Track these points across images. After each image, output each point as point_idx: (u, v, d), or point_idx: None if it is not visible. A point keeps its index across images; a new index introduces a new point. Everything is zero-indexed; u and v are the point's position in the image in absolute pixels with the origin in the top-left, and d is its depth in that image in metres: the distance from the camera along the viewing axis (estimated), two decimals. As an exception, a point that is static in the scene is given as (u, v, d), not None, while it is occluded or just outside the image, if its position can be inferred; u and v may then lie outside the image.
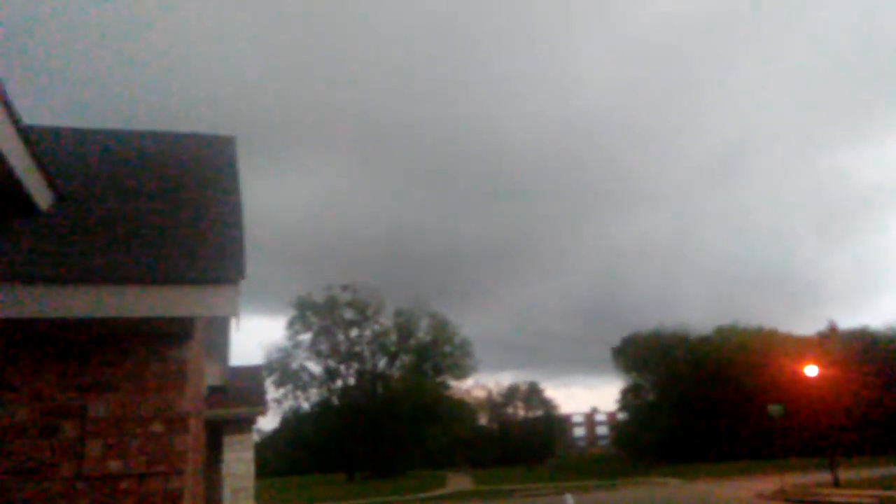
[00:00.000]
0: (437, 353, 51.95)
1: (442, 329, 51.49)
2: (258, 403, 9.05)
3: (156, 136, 5.08)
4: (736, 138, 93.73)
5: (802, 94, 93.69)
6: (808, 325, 55.56)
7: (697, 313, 68.00)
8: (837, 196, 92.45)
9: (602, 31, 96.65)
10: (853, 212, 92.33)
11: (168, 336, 3.11)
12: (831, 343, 44.08)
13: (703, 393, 46.86)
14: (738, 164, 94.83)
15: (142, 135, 5.07)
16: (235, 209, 3.89)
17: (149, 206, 3.78)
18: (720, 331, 51.29)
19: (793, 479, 24.89)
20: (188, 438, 3.06)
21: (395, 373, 52.02)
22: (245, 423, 8.84)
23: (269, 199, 71.71)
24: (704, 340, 50.68)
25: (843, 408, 37.72)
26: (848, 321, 60.63)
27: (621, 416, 62.73)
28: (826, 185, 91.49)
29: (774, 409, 27.79)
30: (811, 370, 28.53)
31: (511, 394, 72.53)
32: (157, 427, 3.01)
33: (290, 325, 49.86)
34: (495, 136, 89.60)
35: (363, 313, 50.52)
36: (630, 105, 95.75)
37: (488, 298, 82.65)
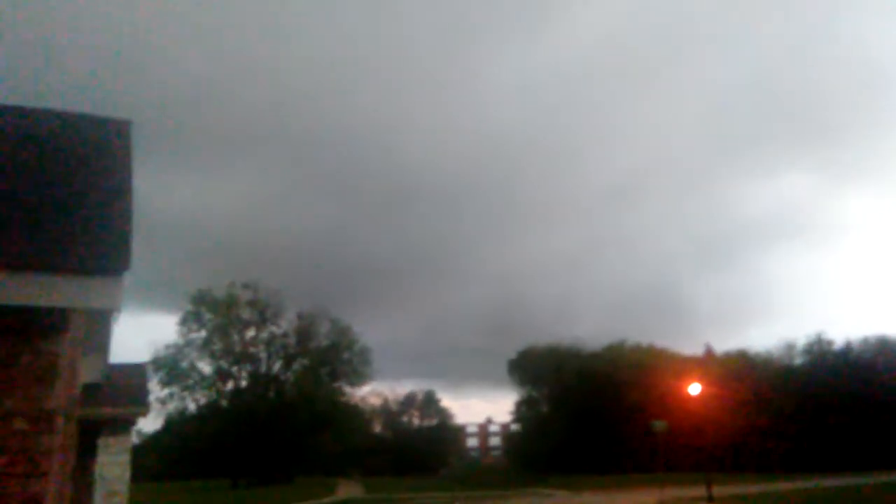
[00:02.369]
0: (336, 359, 51.24)
1: (342, 335, 50.87)
2: (138, 403, 8.61)
3: (42, 115, 4.72)
4: (638, 164, 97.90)
5: (700, 126, 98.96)
6: (692, 346, 58.32)
7: (591, 330, 70.25)
8: (724, 225, 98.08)
9: (518, 55, 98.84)
10: (738, 241, 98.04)
11: (41, 327, 2.91)
12: (711, 363, 46.50)
13: (593, 407, 48.29)
14: (637, 189, 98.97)
15: (25, 112, 4.71)
16: (125, 198, 3.68)
17: (28, 188, 3.53)
18: (611, 348, 53.24)
19: (671, 493, 26.01)
20: (55, 438, 2.87)
21: (291, 377, 50.96)
22: (123, 424, 8.40)
23: (184, 197, 69.24)
24: (596, 356, 52.36)
25: (721, 426, 39.62)
26: (728, 344, 64.22)
27: (515, 427, 63.92)
28: (714, 214, 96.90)
29: (658, 424, 29.01)
30: (693, 388, 29.98)
31: (407, 402, 72.53)
32: (21, 424, 2.80)
33: (183, 321, 47.91)
34: (410, 150, 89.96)
35: (262, 314, 49.30)
36: (541, 127, 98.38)
37: (395, 308, 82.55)
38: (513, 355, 56.68)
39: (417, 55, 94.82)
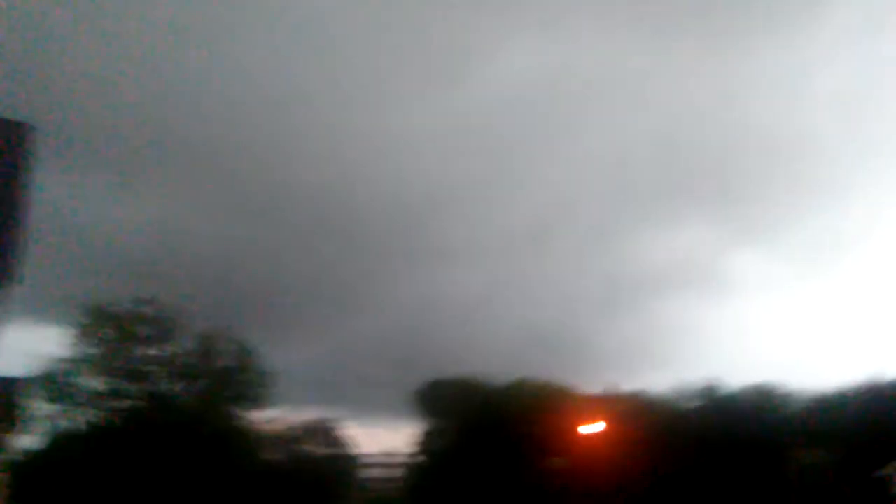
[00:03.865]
0: (237, 382, 49.84)
1: (244, 356, 49.59)
2: (8, 420, 8.18)
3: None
4: (548, 210, 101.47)
5: (609, 176, 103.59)
6: (594, 386, 60.21)
7: (497, 366, 71.23)
8: (626, 272, 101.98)
9: (437, 101, 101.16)
10: (639, 288, 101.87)
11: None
12: (611, 403, 47.92)
13: (498, 442, 48.82)
14: (546, 234, 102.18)
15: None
16: (18, 205, 3.64)
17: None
18: (517, 383, 54.01)
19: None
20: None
21: (188, 398, 49.21)
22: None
23: (90, 207, 66.57)
24: (502, 391, 53.03)
25: (620, 464, 40.74)
26: (627, 385, 66.32)
27: (418, 459, 63.65)
28: (618, 261, 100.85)
29: (557, 461, 29.66)
30: (592, 427, 30.83)
31: (309, 430, 71.01)
32: None
33: (77, 335, 45.63)
34: (328, 180, 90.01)
35: (162, 331, 47.52)
36: (457, 170, 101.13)
37: (303, 335, 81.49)
38: (420, 387, 56.70)
39: (342, 92, 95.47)
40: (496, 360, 72.03)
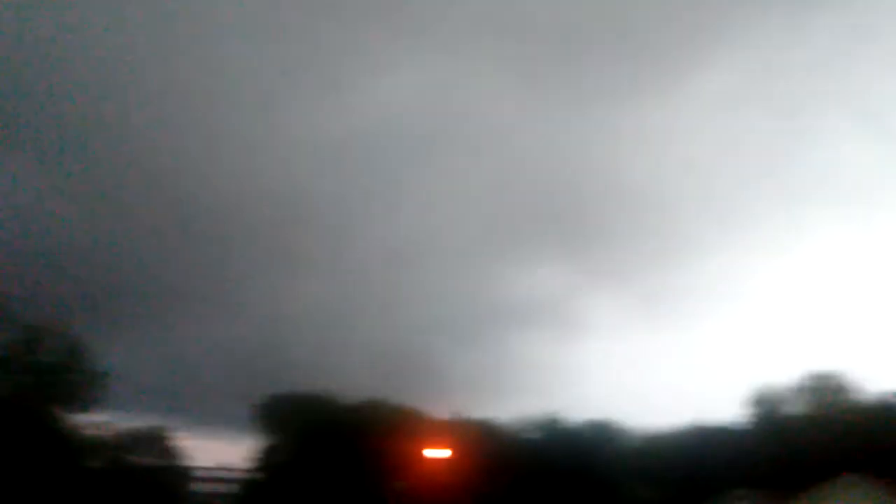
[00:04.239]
0: (63, 380, 45.72)
1: (73, 354, 45.60)
2: None
3: None
4: (416, 234, 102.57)
5: (474, 210, 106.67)
6: (443, 412, 60.68)
7: (347, 385, 70.18)
8: (484, 304, 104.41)
9: (321, 117, 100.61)
10: (495, 320, 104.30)
11: None
12: (458, 429, 48.21)
13: (339, 461, 47.65)
14: (409, 258, 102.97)
15: None
16: None
17: None
18: (365, 404, 53.14)
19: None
20: None
21: (5, 393, 44.55)
22: None
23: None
24: (350, 410, 52.01)
25: (462, 490, 40.81)
26: (476, 412, 67.32)
27: (254, 475, 61.00)
28: (476, 293, 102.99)
29: (399, 484, 29.17)
30: (437, 452, 30.58)
31: (139, 438, 66.24)
32: None
33: None
34: (187, 182, 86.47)
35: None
36: (329, 186, 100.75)
37: (145, 337, 76.60)
38: (263, 400, 54.54)
39: (222, 93, 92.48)
40: (346, 379, 70.88)
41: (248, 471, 61.10)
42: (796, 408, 57.15)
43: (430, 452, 30.27)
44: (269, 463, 55.17)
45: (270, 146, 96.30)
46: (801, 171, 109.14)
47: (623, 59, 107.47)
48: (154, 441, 67.27)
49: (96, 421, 54.23)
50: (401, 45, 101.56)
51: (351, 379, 69.93)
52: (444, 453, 30.26)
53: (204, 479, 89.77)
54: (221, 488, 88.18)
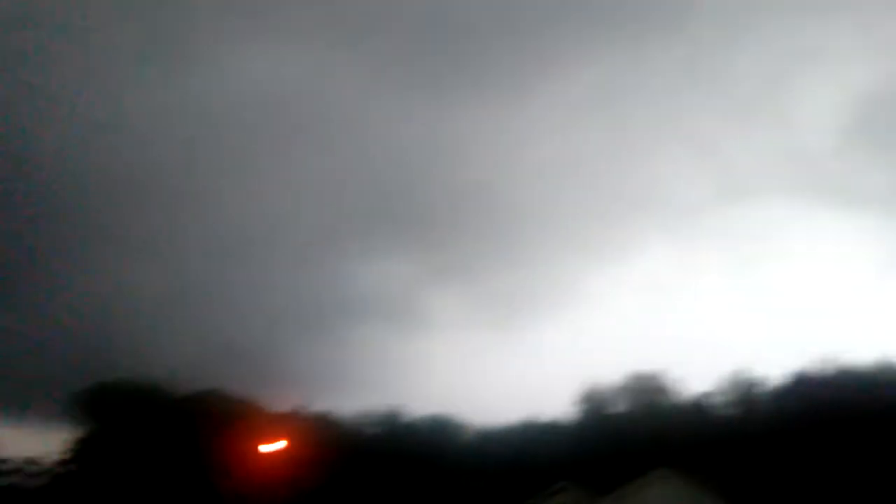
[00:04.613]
0: None
1: None
2: None
3: None
4: (265, 222, 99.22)
5: (323, 203, 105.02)
6: (284, 405, 59.20)
7: (181, 375, 66.72)
8: (329, 297, 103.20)
9: (168, 86, 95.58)
10: (340, 314, 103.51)
11: None
12: (297, 422, 47.13)
13: (167, 454, 45.07)
14: (259, 244, 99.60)
15: None
16: None
17: None
18: (198, 395, 50.60)
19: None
20: None
21: None
22: None
23: None
24: (180, 401, 49.35)
25: (298, 484, 39.90)
26: (317, 406, 66.42)
27: (67, 468, 56.33)
28: (322, 286, 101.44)
29: (229, 480, 27.94)
30: (273, 445, 29.60)
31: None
32: None
33: None
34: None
35: None
36: (173, 163, 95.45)
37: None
38: (84, 388, 50.40)
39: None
40: (180, 369, 67.28)
41: (60, 464, 56.36)
42: (620, 406, 61.14)
43: (265, 446, 29.23)
44: (87, 456, 51.11)
45: (105, 122, 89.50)
46: (636, 186, 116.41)
47: (481, 61, 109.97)
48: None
49: None
50: (252, 30, 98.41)
51: (185, 369, 66.38)
52: (280, 447, 29.31)
53: (9, 473, 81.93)
54: (29, 482, 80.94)
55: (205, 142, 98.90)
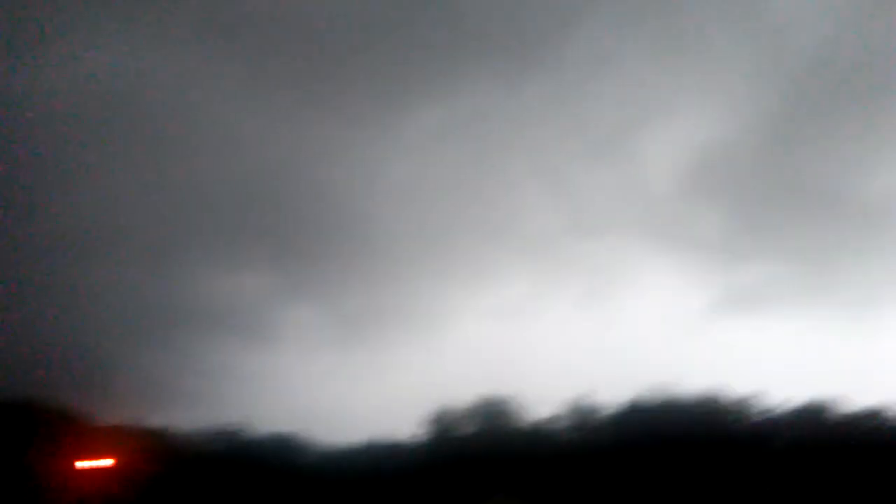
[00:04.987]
0: None
1: None
2: None
3: None
4: (104, 220, 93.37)
5: (179, 207, 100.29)
6: (114, 417, 55.34)
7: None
8: (174, 305, 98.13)
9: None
10: (190, 326, 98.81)
11: None
12: (125, 437, 44.19)
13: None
14: (91, 249, 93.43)
15: None
16: None
17: None
18: (13, 403, 46.26)
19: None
20: None
21: None
22: None
23: None
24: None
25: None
26: (152, 421, 62.68)
27: None
28: (172, 296, 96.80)
29: (47, 498, 25.58)
30: (96, 462, 27.41)
31: None
32: None
33: None
34: None
35: None
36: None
37: None
38: None
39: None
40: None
41: None
42: (468, 429, 61.80)
43: (83, 463, 26.90)
44: None
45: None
46: (494, 215, 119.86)
47: (350, 78, 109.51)
48: None
49: None
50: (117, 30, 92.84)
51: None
52: (104, 464, 27.13)
53: None
54: None
55: (52, 141, 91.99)
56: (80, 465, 27.58)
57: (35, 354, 72.67)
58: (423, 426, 61.00)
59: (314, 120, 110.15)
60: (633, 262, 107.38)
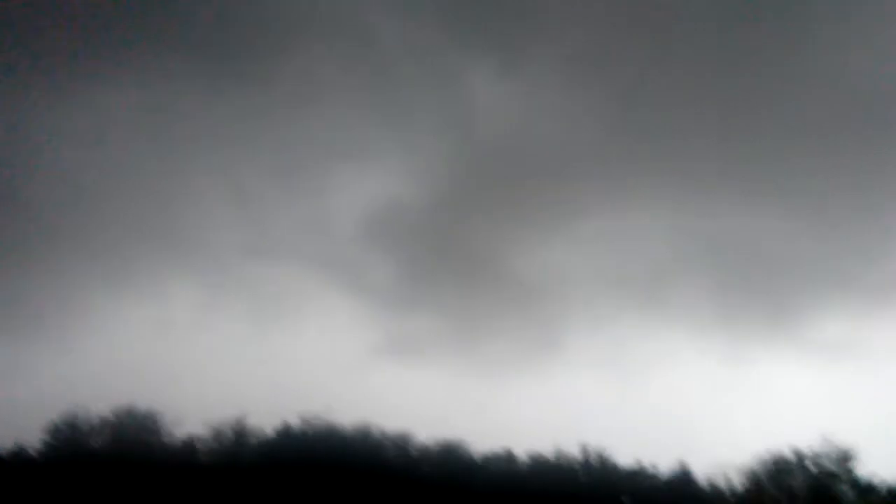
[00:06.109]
0: None
1: None
2: None
3: None
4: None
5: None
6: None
7: None
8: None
9: None
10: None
11: None
12: None
13: None
14: None
15: None
16: None
17: None
18: None
19: None
20: None
21: None
22: None
23: None
24: None
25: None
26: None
27: None
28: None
29: None
30: None
31: None
32: None
33: None
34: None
35: None
36: None
37: None
38: None
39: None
40: None
41: None
42: (101, 440, 55.45)
43: None
44: None
45: None
46: (173, 226, 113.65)
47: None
48: None
49: None
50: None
51: None
52: None
53: None
54: None
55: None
56: None
57: None
58: (45, 433, 53.88)
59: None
60: (307, 294, 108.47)
